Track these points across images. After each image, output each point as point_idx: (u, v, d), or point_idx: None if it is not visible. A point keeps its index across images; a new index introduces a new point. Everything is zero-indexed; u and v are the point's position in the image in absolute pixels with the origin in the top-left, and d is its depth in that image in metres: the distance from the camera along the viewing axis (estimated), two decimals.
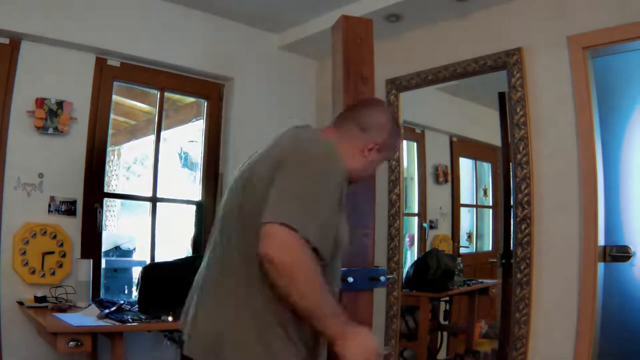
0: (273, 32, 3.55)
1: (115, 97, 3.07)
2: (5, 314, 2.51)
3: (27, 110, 2.64)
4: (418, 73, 3.06)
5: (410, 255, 3.32)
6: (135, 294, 2.86)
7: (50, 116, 2.67)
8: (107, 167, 3.02)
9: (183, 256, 2.94)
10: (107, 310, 2.36)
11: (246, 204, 1.30)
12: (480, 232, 3.48)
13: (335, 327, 1.22)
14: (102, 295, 2.90)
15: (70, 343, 2.10)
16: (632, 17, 2.28)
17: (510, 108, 2.64)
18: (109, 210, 4.27)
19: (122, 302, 2.58)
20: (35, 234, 2.61)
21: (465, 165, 3.20)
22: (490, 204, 2.99)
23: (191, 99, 3.64)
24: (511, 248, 2.60)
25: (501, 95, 2.74)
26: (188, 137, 3.98)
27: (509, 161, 2.65)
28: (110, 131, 3.02)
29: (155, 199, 3.15)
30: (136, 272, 3.56)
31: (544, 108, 2.57)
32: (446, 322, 3.60)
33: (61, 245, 2.68)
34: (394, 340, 3.05)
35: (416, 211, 3.31)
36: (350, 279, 1.88)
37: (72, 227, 2.74)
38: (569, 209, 2.44)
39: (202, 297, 1.35)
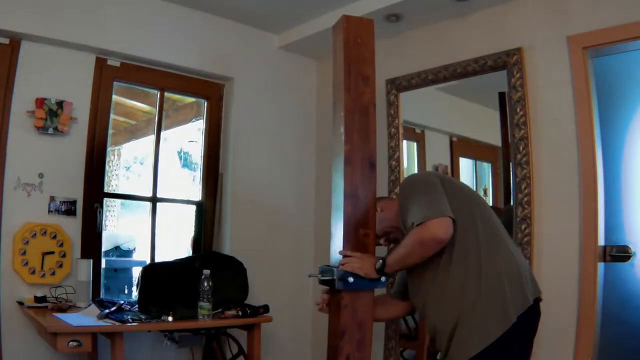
0: (273, 32, 3.55)
1: (115, 97, 3.07)
2: (5, 314, 2.51)
3: (27, 110, 2.64)
4: (418, 73, 3.07)
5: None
6: (135, 294, 2.86)
7: (50, 116, 2.67)
8: (107, 167, 3.01)
9: (183, 256, 2.93)
10: (107, 310, 2.36)
11: None
12: None
13: None
14: (102, 295, 2.90)
15: (70, 343, 2.10)
16: (632, 17, 2.28)
17: (510, 108, 2.64)
18: (109, 210, 4.27)
19: (122, 302, 2.58)
20: (35, 234, 2.60)
21: (465, 165, 3.19)
22: (491, 204, 2.99)
23: (191, 99, 3.64)
24: None
25: (501, 95, 2.74)
26: (188, 137, 3.98)
27: (509, 161, 2.65)
28: (110, 131, 3.01)
29: (155, 199, 3.15)
30: (136, 272, 3.57)
31: (544, 108, 2.57)
32: None
33: (61, 245, 2.68)
34: (394, 341, 3.05)
35: None
36: (350, 279, 1.88)
37: (72, 227, 2.74)
38: (569, 209, 2.44)
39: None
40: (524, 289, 1.71)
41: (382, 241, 2.06)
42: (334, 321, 1.97)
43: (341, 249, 1.92)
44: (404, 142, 3.19)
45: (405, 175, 3.13)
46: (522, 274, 1.74)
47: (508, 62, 2.66)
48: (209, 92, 3.40)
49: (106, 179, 3.02)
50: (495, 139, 2.78)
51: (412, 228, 1.73)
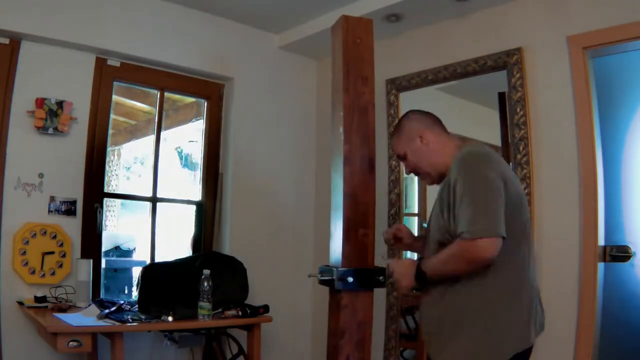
0: (273, 32, 3.55)
1: (115, 97, 3.07)
2: (5, 314, 2.51)
3: (27, 110, 2.64)
4: (418, 73, 3.07)
5: (410, 255, 3.31)
6: (135, 294, 2.86)
7: (50, 116, 2.67)
8: (107, 167, 3.02)
9: (183, 256, 2.93)
10: (107, 310, 2.36)
11: None
12: None
13: None
14: (102, 295, 2.90)
15: (70, 343, 2.10)
16: (632, 17, 2.28)
17: (510, 108, 2.64)
18: (109, 210, 4.27)
19: (122, 302, 2.58)
20: (35, 234, 2.61)
21: None
22: None
23: (191, 99, 3.64)
24: None
25: (501, 95, 2.74)
26: (188, 137, 3.98)
27: (509, 161, 2.65)
28: (110, 131, 3.02)
29: (155, 199, 3.15)
30: (136, 272, 3.57)
31: (544, 108, 2.57)
32: None
33: (61, 245, 2.68)
34: (394, 341, 3.05)
35: (416, 211, 3.30)
36: (350, 279, 1.88)
37: (72, 227, 2.74)
38: (569, 209, 2.44)
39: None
40: (529, 333, 1.60)
41: (406, 171, 1.92)
42: (334, 321, 1.97)
43: (341, 248, 1.92)
44: None
45: (405, 176, 3.13)
46: (531, 322, 1.61)
47: (508, 62, 2.66)
48: (209, 92, 3.40)
49: (106, 179, 3.02)
50: (495, 139, 2.78)
51: (461, 237, 1.53)
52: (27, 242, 2.58)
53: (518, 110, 2.60)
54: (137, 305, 2.49)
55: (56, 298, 2.56)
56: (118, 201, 4.30)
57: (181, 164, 4.22)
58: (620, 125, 2.56)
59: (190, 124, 3.78)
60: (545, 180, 2.54)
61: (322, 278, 1.96)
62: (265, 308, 2.72)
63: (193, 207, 3.34)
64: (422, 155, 1.82)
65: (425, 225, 1.86)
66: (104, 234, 3.03)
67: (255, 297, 2.97)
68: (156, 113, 3.19)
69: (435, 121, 1.87)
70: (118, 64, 3.00)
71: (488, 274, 1.58)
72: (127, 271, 3.68)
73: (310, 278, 2.10)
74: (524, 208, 1.66)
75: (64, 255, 2.68)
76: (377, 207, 2.02)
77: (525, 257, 1.64)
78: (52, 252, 2.64)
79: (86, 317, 2.30)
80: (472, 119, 3.17)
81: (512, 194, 1.59)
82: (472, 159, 1.63)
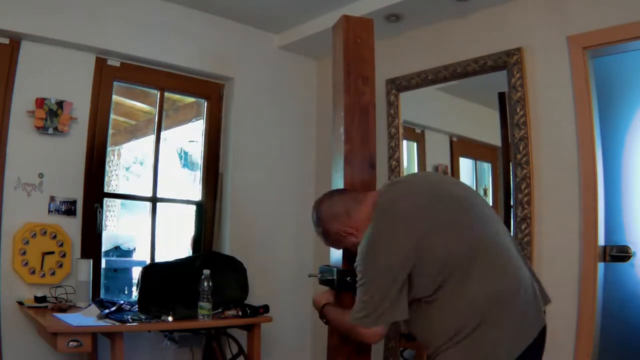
0: (273, 32, 3.55)
1: (115, 97, 3.07)
2: (5, 314, 2.51)
3: (27, 110, 2.64)
4: (418, 73, 3.07)
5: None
6: (135, 294, 2.86)
7: (50, 116, 2.67)
8: (107, 167, 3.02)
9: (183, 256, 2.93)
10: (107, 310, 2.36)
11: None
12: None
13: None
14: (102, 295, 2.90)
15: (70, 343, 2.10)
16: (632, 17, 2.28)
17: (510, 108, 2.64)
18: (109, 210, 4.27)
19: (122, 302, 2.58)
20: (35, 234, 2.60)
21: (465, 165, 3.19)
22: (491, 204, 2.99)
23: (191, 99, 3.65)
24: None
25: (501, 95, 2.74)
26: (188, 137, 3.98)
27: (509, 161, 2.65)
28: (110, 131, 3.01)
29: (155, 199, 3.15)
30: (136, 272, 3.57)
31: (544, 108, 2.57)
32: None
33: (61, 245, 2.68)
34: (394, 341, 3.05)
35: None
36: (350, 279, 1.88)
37: (72, 227, 2.74)
38: (569, 209, 2.44)
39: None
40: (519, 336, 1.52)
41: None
42: None
43: (340, 248, 1.92)
44: (404, 142, 3.19)
45: (405, 174, 3.13)
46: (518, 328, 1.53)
47: (508, 62, 2.66)
48: (209, 92, 3.40)
49: (106, 179, 3.02)
50: (495, 139, 2.78)
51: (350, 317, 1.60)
52: (27, 242, 2.58)
53: (518, 110, 2.60)
54: (137, 305, 2.49)
55: (56, 298, 2.56)
56: (118, 201, 4.31)
57: (181, 164, 4.22)
58: (620, 125, 2.56)
59: (190, 124, 3.78)
60: (545, 180, 2.54)
61: (322, 278, 1.96)
62: (265, 308, 2.72)
63: (193, 207, 3.34)
64: (356, 242, 1.69)
65: None
66: (104, 234, 3.03)
67: (255, 297, 2.97)
68: (156, 113, 3.19)
69: (347, 199, 1.73)
70: (118, 64, 3.00)
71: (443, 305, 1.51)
72: (127, 271, 3.69)
73: (310, 278, 2.10)
74: (463, 222, 1.55)
75: (64, 255, 2.68)
76: None
77: (484, 269, 1.50)
78: (52, 252, 2.64)
79: (86, 317, 2.30)
80: (472, 119, 3.18)
81: (442, 219, 1.53)
82: (368, 247, 1.58)
